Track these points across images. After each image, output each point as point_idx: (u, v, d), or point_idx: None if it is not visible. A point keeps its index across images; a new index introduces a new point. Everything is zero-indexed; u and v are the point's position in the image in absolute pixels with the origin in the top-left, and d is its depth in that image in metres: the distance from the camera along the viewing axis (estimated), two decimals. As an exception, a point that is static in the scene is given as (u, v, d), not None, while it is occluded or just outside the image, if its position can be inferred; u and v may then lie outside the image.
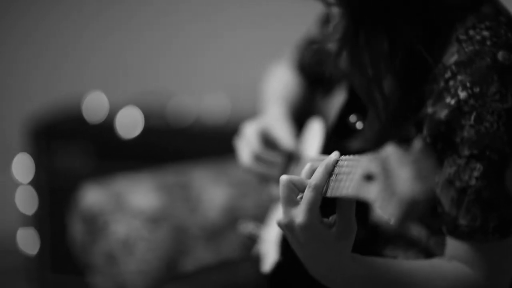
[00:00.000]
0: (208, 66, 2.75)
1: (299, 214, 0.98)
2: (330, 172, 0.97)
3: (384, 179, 0.80)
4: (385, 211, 0.80)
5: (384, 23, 1.12)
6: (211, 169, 2.00)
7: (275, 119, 1.47)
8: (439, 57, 1.11)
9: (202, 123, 2.45)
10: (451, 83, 1.08)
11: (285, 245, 1.29)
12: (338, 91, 1.42)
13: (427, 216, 1.17)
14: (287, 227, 1.00)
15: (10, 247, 2.65)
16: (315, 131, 1.41)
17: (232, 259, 1.73)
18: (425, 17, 1.12)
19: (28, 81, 2.86)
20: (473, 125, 1.06)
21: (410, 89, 1.14)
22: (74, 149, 2.40)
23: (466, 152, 1.06)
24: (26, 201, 2.49)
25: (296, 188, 1.00)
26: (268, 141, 1.44)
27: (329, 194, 0.96)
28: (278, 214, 1.02)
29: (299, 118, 1.53)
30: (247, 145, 1.44)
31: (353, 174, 0.89)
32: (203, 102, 2.56)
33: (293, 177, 1.00)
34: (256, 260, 1.44)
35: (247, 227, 1.55)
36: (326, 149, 1.32)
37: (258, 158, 1.42)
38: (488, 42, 1.08)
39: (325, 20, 1.46)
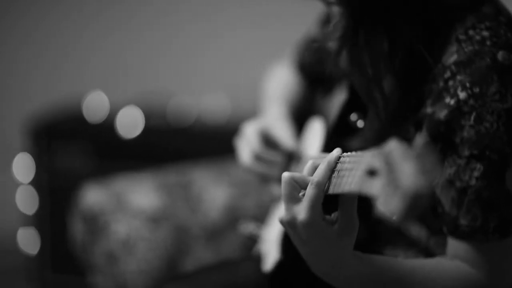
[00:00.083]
0: (209, 66, 2.75)
1: (301, 211, 0.98)
2: (332, 168, 0.97)
3: (387, 174, 0.80)
4: (388, 206, 0.80)
5: (383, 23, 1.12)
6: (211, 169, 2.00)
7: (275, 119, 1.47)
8: (439, 57, 1.11)
9: (202, 123, 2.45)
10: (450, 83, 1.08)
11: (286, 244, 1.30)
12: (338, 90, 1.42)
13: (428, 216, 1.17)
14: (289, 224, 1.00)
15: (10, 247, 2.65)
16: (316, 130, 1.41)
17: (233, 259, 1.73)
18: (425, 17, 1.12)
19: (28, 81, 2.86)
20: (473, 125, 1.06)
21: (410, 89, 1.14)
22: (74, 149, 2.40)
23: (466, 152, 1.07)
24: (26, 201, 2.49)
25: (298, 185, 1.00)
26: (268, 141, 1.44)
27: (331, 191, 0.96)
28: (280, 211, 1.02)
29: (299, 117, 1.53)
30: (247, 144, 1.44)
31: (355, 170, 0.89)
32: (204, 102, 2.56)
33: (295, 174, 1.00)
34: (256, 260, 1.45)
35: (247, 227, 1.55)
36: (327, 148, 1.32)
37: (258, 158, 1.42)
38: (488, 42, 1.08)
39: (326, 20, 1.46)
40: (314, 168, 1.00)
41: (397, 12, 1.11)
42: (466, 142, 1.07)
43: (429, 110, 1.10)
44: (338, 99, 1.39)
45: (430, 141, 1.10)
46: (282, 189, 1.00)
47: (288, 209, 0.99)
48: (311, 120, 1.46)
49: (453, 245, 1.11)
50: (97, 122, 2.45)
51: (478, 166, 1.06)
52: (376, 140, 1.17)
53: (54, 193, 2.43)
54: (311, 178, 0.98)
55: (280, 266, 1.34)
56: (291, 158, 1.42)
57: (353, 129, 1.28)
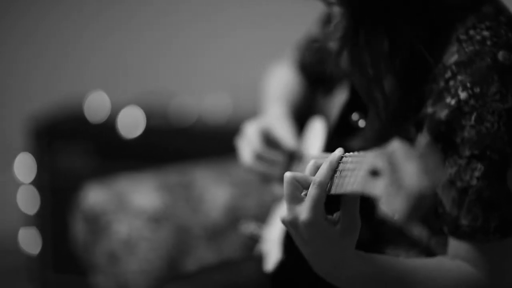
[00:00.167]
0: (210, 66, 2.75)
1: (304, 211, 0.97)
2: (334, 168, 0.97)
3: (390, 174, 0.80)
4: (391, 207, 0.80)
5: (384, 23, 1.12)
6: (213, 168, 2.01)
7: (276, 119, 1.47)
8: (439, 57, 1.11)
9: (203, 123, 2.45)
10: (451, 83, 1.08)
11: (288, 244, 1.30)
12: (339, 90, 1.42)
13: (429, 216, 1.17)
14: (291, 224, 1.00)
15: (11, 247, 2.65)
16: (317, 130, 1.41)
17: (234, 259, 1.73)
18: (425, 17, 1.12)
19: (30, 81, 2.86)
20: (474, 125, 1.06)
21: (410, 89, 1.14)
22: (76, 148, 2.41)
23: (467, 152, 1.07)
24: (27, 200, 2.49)
25: (300, 185, 1.00)
26: (269, 140, 1.44)
27: (334, 191, 0.96)
28: (282, 211, 1.02)
29: (300, 117, 1.53)
30: (248, 144, 1.44)
31: (358, 170, 0.89)
32: (205, 102, 2.56)
33: (297, 174, 1.00)
34: (258, 259, 1.44)
35: (248, 227, 1.55)
36: (328, 148, 1.32)
37: (259, 158, 1.42)
38: (488, 42, 1.08)
39: (326, 20, 1.46)
40: (316, 168, 1.00)
41: (398, 12, 1.11)
42: (467, 142, 1.07)
43: (429, 110, 1.10)
44: (339, 99, 1.39)
45: (431, 141, 1.10)
46: (284, 189, 1.00)
47: (290, 209, 0.99)
48: (312, 120, 1.46)
49: (454, 245, 1.11)
50: (98, 122, 2.45)
51: (479, 166, 1.06)
52: (377, 140, 1.17)
53: (56, 193, 2.43)
54: (313, 178, 0.98)
55: (281, 266, 1.34)
56: (293, 158, 1.42)
57: (354, 128, 1.28)
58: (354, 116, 1.28)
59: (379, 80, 1.13)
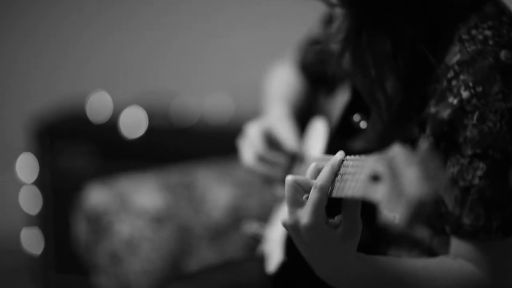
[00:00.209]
0: (211, 66, 2.75)
1: (305, 215, 0.98)
2: (335, 172, 0.97)
3: (391, 179, 0.80)
4: (391, 212, 0.80)
5: (386, 24, 1.12)
6: (215, 169, 2.00)
7: (278, 119, 1.47)
8: (442, 57, 1.11)
9: (205, 123, 2.45)
10: (453, 82, 1.09)
11: (289, 245, 1.30)
12: (341, 90, 1.42)
13: (432, 217, 1.17)
14: (292, 227, 1.00)
15: (14, 247, 2.65)
16: (319, 131, 1.41)
17: (236, 259, 1.73)
18: (427, 17, 1.12)
19: (31, 81, 2.87)
20: (476, 125, 1.06)
21: (413, 90, 1.14)
22: (78, 149, 2.41)
23: (469, 151, 1.07)
24: (30, 201, 2.49)
25: (301, 189, 1.00)
26: (271, 142, 1.44)
27: (335, 194, 0.96)
28: (283, 214, 1.02)
29: (302, 117, 1.53)
30: (250, 145, 1.44)
31: (358, 175, 0.89)
32: (206, 102, 2.56)
33: (299, 177, 1.00)
34: (260, 260, 1.44)
35: (251, 227, 1.55)
36: (330, 149, 1.32)
37: (261, 159, 1.42)
38: (491, 42, 1.09)
39: (328, 20, 1.45)
40: (318, 171, 1.00)
41: (399, 12, 1.11)
42: (469, 142, 1.07)
43: (432, 110, 1.10)
44: (340, 99, 1.39)
45: (433, 141, 1.10)
46: (285, 193, 1.00)
47: (291, 212, 0.99)
48: (313, 120, 1.46)
49: (456, 244, 1.11)
50: (100, 122, 2.45)
51: (481, 165, 1.06)
52: (379, 140, 1.17)
53: (58, 193, 2.43)
54: (314, 181, 0.98)
55: (283, 267, 1.34)
56: (294, 159, 1.42)
57: (356, 130, 1.28)
58: (356, 117, 1.28)
59: (381, 81, 1.13)
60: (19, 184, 2.52)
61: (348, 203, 0.97)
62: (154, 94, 2.56)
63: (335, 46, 1.19)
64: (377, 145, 1.18)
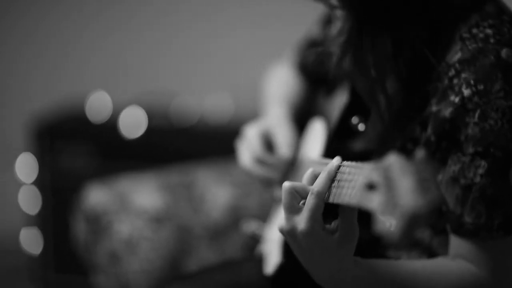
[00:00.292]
0: (211, 66, 2.75)
1: (301, 221, 0.98)
2: (332, 178, 0.98)
3: (386, 190, 0.81)
4: (386, 224, 0.80)
5: (387, 24, 1.12)
6: (214, 169, 2.00)
7: (276, 122, 1.46)
8: (443, 56, 1.11)
9: (205, 123, 2.45)
10: (455, 81, 1.09)
11: (287, 247, 1.29)
12: (340, 91, 1.42)
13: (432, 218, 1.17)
14: (289, 233, 1.00)
15: (13, 247, 2.65)
16: (317, 132, 1.41)
17: (236, 259, 1.73)
18: (427, 17, 1.12)
19: (31, 81, 2.86)
20: (477, 123, 1.06)
21: (414, 89, 1.14)
22: (77, 149, 2.41)
23: (470, 149, 1.07)
24: (29, 200, 2.49)
25: (298, 195, 1.00)
26: (269, 144, 1.44)
27: (331, 200, 0.97)
28: (280, 220, 1.02)
29: (301, 118, 1.53)
30: (248, 147, 1.44)
31: (354, 182, 0.90)
32: (206, 102, 2.56)
33: (296, 183, 1.00)
34: (259, 260, 1.44)
35: (250, 226, 1.54)
36: (328, 151, 1.32)
37: (258, 162, 1.42)
38: (492, 40, 1.09)
39: (327, 20, 1.46)
40: (314, 177, 1.00)
41: (400, 12, 1.11)
42: (470, 140, 1.07)
43: (434, 108, 1.10)
44: (339, 100, 1.39)
45: (435, 140, 1.10)
46: (282, 199, 1.00)
47: (288, 218, 1.00)
48: (312, 121, 1.46)
49: (456, 244, 1.11)
50: (100, 122, 2.45)
51: (483, 163, 1.06)
52: (379, 141, 1.17)
53: (57, 193, 2.43)
54: (311, 187, 0.98)
55: (281, 268, 1.34)
56: (292, 163, 1.42)
57: (355, 132, 1.28)
58: (354, 119, 1.28)
59: (382, 81, 1.14)
60: (19, 184, 2.52)
61: (345, 208, 0.98)
62: (154, 94, 2.56)
63: (336, 48, 1.19)
64: (378, 146, 1.18)
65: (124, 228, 1.83)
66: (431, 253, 1.21)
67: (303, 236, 0.98)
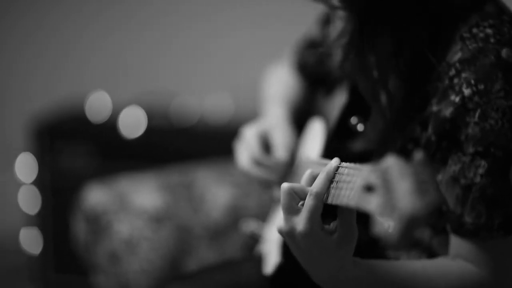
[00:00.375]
0: (211, 66, 2.75)
1: (300, 222, 0.98)
2: (330, 179, 0.98)
3: (385, 192, 0.81)
4: (384, 226, 0.81)
5: (388, 24, 1.12)
6: (214, 169, 2.00)
7: (275, 123, 1.46)
8: (443, 56, 1.11)
9: (205, 123, 2.45)
10: (455, 80, 1.09)
11: (286, 247, 1.29)
12: (339, 91, 1.42)
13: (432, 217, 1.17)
14: (288, 234, 1.00)
15: (13, 246, 2.65)
16: (316, 132, 1.41)
17: (235, 259, 1.73)
18: (428, 17, 1.12)
19: (31, 81, 2.86)
20: (478, 122, 1.06)
21: (414, 89, 1.14)
22: (77, 148, 2.40)
23: (470, 149, 1.07)
24: (29, 200, 2.49)
25: (297, 196, 1.00)
26: (267, 145, 1.43)
27: (330, 201, 0.97)
28: (279, 221, 1.02)
29: (300, 118, 1.53)
30: (246, 148, 1.43)
31: (353, 183, 0.90)
32: (206, 102, 2.56)
33: (294, 184, 1.00)
34: (258, 260, 1.44)
35: (249, 226, 1.54)
36: (327, 151, 1.32)
37: (257, 162, 1.42)
38: (492, 40, 1.09)
39: (326, 20, 1.46)
40: (313, 178, 1.00)
41: (400, 12, 1.11)
42: (470, 139, 1.07)
43: (434, 108, 1.10)
44: (338, 100, 1.39)
45: (435, 140, 1.10)
46: (281, 200, 1.00)
47: (287, 219, 1.00)
48: (311, 121, 1.46)
49: (456, 244, 1.11)
50: (99, 122, 2.45)
51: (483, 163, 1.06)
52: (379, 141, 1.17)
53: (57, 193, 2.43)
54: (309, 188, 0.98)
55: (280, 268, 1.34)
56: (289, 165, 1.41)
57: (354, 132, 1.28)
58: (353, 120, 1.28)
59: (384, 81, 1.14)
60: (18, 184, 2.52)
61: (343, 209, 0.98)
62: (154, 94, 2.56)
63: (337, 49, 1.20)
64: (377, 146, 1.18)
65: (124, 228, 1.83)
66: (431, 253, 1.21)
67: (302, 237, 0.98)
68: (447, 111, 1.08)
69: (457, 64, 1.09)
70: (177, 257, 1.82)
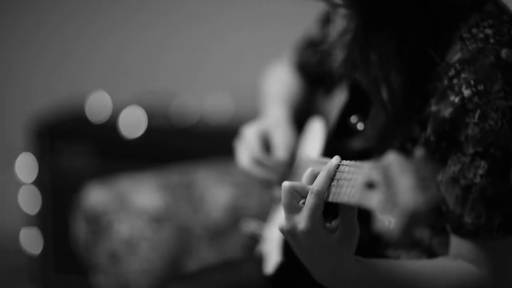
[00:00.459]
0: (211, 66, 2.75)
1: (301, 221, 0.98)
2: (331, 177, 0.98)
3: (386, 189, 0.81)
4: (385, 222, 0.81)
5: (390, 23, 1.12)
6: (214, 169, 2.00)
7: (275, 123, 1.46)
8: (443, 56, 1.11)
9: (205, 123, 2.45)
10: (455, 81, 1.09)
11: (287, 246, 1.30)
12: (338, 90, 1.42)
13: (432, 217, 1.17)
14: (289, 233, 1.00)
15: (13, 246, 2.65)
16: (316, 131, 1.41)
17: (236, 259, 1.73)
18: (428, 17, 1.12)
19: (31, 81, 2.86)
20: (477, 123, 1.06)
21: (414, 89, 1.14)
22: (77, 149, 2.40)
23: (470, 150, 1.07)
24: (29, 200, 2.49)
25: (297, 194, 1.00)
26: (267, 145, 1.43)
27: (331, 199, 0.97)
28: (280, 219, 1.02)
29: (300, 117, 1.53)
30: (246, 148, 1.43)
31: (354, 181, 0.90)
32: (206, 102, 2.56)
33: (295, 183, 1.00)
34: (259, 260, 1.44)
35: (250, 226, 1.54)
36: (327, 150, 1.32)
37: (257, 162, 1.42)
38: (492, 40, 1.09)
39: (325, 20, 1.46)
40: (314, 176, 1.00)
41: (401, 12, 1.11)
42: (470, 140, 1.07)
43: (434, 108, 1.10)
44: (338, 99, 1.39)
45: (435, 140, 1.10)
46: (282, 198, 1.00)
47: (288, 218, 1.00)
48: (311, 120, 1.46)
49: (456, 244, 1.11)
50: (100, 122, 2.45)
51: (483, 163, 1.06)
52: (378, 139, 1.17)
53: (57, 193, 2.43)
54: (310, 187, 0.98)
55: (281, 268, 1.34)
56: (288, 165, 1.41)
57: (353, 131, 1.28)
58: (353, 118, 1.28)
59: (387, 79, 1.14)
60: (19, 184, 2.52)
61: (344, 207, 0.98)
62: (154, 94, 2.56)
63: (340, 48, 1.20)
64: (377, 144, 1.19)
65: (124, 228, 1.83)
66: (431, 253, 1.21)
67: (303, 235, 0.98)
68: (447, 112, 1.08)
69: (457, 65, 1.09)
70: (177, 257, 1.82)
